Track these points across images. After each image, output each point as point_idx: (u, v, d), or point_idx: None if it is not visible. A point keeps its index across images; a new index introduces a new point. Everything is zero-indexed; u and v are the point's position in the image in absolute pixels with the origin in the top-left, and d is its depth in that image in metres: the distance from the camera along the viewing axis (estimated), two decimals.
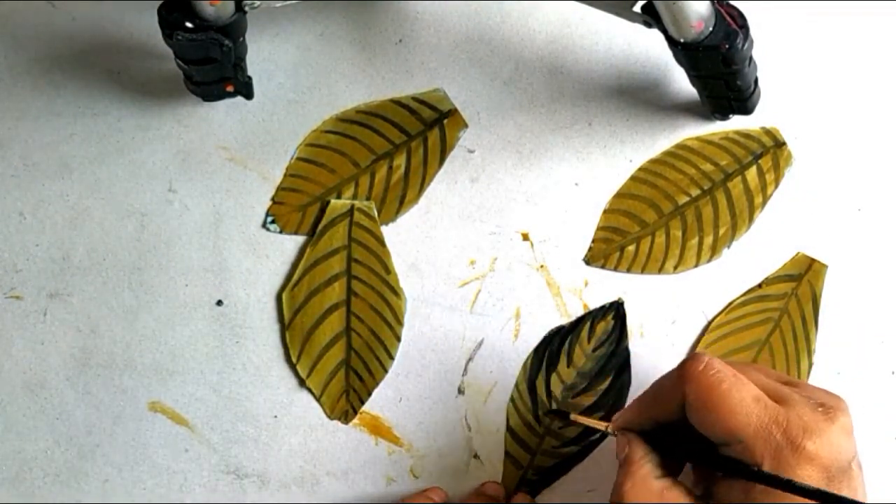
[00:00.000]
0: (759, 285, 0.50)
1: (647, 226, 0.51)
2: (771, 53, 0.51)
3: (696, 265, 0.51)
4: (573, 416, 0.47)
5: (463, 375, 0.50)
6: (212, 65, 0.46)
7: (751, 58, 0.47)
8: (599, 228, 0.51)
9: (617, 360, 0.50)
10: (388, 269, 0.50)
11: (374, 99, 0.52)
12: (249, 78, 0.50)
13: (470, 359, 0.50)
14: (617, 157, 0.52)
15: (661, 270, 0.50)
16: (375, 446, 0.50)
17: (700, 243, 0.51)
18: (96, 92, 0.52)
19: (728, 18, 0.44)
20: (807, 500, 0.36)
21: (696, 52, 0.44)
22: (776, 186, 0.51)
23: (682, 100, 0.52)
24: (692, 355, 0.40)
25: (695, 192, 0.51)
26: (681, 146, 0.52)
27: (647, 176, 0.51)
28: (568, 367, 0.50)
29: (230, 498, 0.49)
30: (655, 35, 0.46)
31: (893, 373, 0.50)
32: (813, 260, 0.50)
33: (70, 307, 0.50)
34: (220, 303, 0.50)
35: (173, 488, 0.49)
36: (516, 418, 0.49)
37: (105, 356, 0.50)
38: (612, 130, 0.52)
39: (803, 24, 0.52)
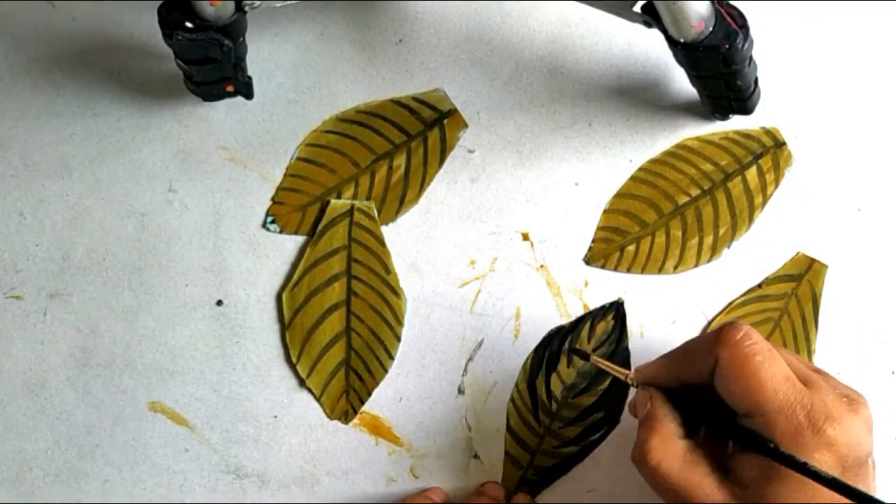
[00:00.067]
0: (759, 285, 0.50)
1: (647, 226, 0.51)
2: (771, 53, 0.51)
3: (696, 265, 0.51)
4: (593, 359, 0.46)
5: (463, 375, 0.50)
6: (212, 65, 0.46)
7: (751, 58, 0.47)
8: (599, 228, 0.51)
9: (617, 360, 0.50)
10: (388, 269, 0.50)
11: (374, 99, 0.52)
12: (249, 78, 0.50)
13: (470, 359, 0.50)
14: (617, 157, 0.52)
15: (661, 270, 0.50)
16: (375, 446, 0.50)
17: (700, 243, 0.51)
18: (96, 92, 0.52)
19: (728, 18, 0.44)
20: (818, 485, 0.36)
21: (696, 52, 0.44)
22: (776, 186, 0.51)
23: (682, 100, 0.52)
24: (731, 322, 0.40)
25: (695, 192, 0.51)
26: (681, 146, 0.52)
27: (647, 176, 0.51)
28: (568, 367, 0.50)
29: (230, 498, 0.49)
30: (655, 35, 0.46)
31: (893, 373, 0.50)
32: (813, 260, 0.50)
33: (70, 307, 0.50)
34: (220, 303, 0.50)
35: (173, 488, 0.49)
36: (516, 418, 0.49)
37: (105, 356, 0.50)
38: (612, 130, 0.52)
39: (803, 24, 0.52)
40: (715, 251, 0.51)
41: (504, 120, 0.52)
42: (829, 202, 0.51)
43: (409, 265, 0.51)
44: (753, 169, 0.51)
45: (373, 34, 0.53)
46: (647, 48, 0.52)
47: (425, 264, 0.51)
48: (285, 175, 0.51)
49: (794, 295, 0.50)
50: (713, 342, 0.39)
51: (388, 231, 0.51)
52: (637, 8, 0.45)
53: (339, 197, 0.51)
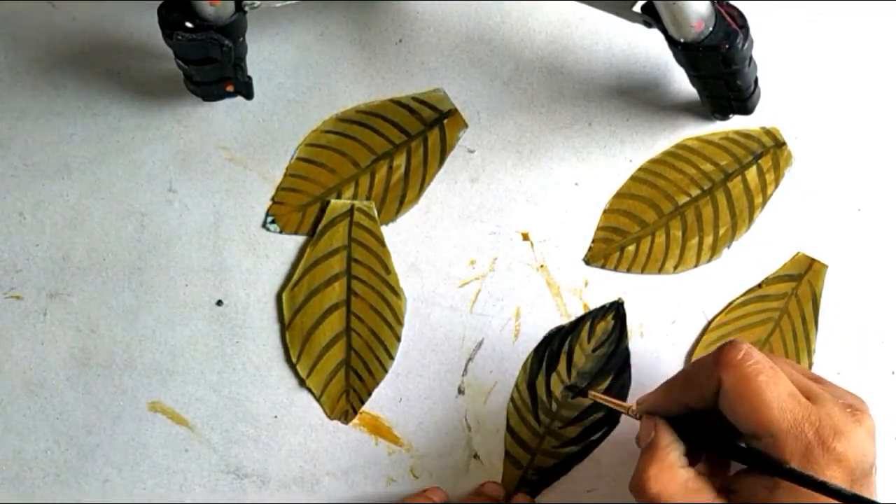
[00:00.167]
0: (759, 285, 0.50)
1: (647, 226, 0.51)
2: (771, 53, 0.51)
3: (696, 265, 0.51)
4: (592, 395, 0.46)
5: (463, 375, 0.50)
6: (212, 65, 0.46)
7: (751, 58, 0.47)
8: (599, 228, 0.51)
9: (617, 360, 0.50)
10: (388, 269, 0.50)
11: (374, 99, 0.52)
12: (249, 78, 0.50)
13: (470, 359, 0.50)
14: (617, 157, 0.52)
15: (661, 270, 0.50)
16: (375, 446, 0.50)
17: (700, 243, 0.51)
18: (96, 92, 0.52)
19: (728, 18, 0.44)
20: (835, 502, 0.36)
21: (696, 52, 0.44)
22: (776, 186, 0.51)
23: (682, 100, 0.52)
24: (731, 342, 0.39)
25: (695, 192, 0.51)
26: (681, 146, 0.52)
27: (647, 176, 0.51)
28: (568, 367, 0.50)
29: (230, 498, 0.49)
30: (655, 35, 0.46)
31: (893, 373, 0.50)
32: (813, 260, 0.50)
33: (70, 307, 0.50)
34: (220, 303, 0.50)
35: (173, 488, 0.49)
36: (516, 418, 0.49)
37: (105, 356, 0.50)
38: (612, 130, 0.52)
39: (803, 24, 0.52)
40: (715, 251, 0.51)
41: (504, 120, 0.52)
42: (829, 202, 0.51)
43: (409, 265, 0.51)
44: (753, 169, 0.51)
45: (373, 34, 0.53)
46: (647, 48, 0.52)
47: (425, 264, 0.51)
48: (285, 175, 0.51)
49: (794, 295, 0.50)
50: (714, 365, 0.39)
51: (388, 231, 0.51)
52: (637, 8, 0.45)
53: (339, 197, 0.51)
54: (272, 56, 0.53)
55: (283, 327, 0.50)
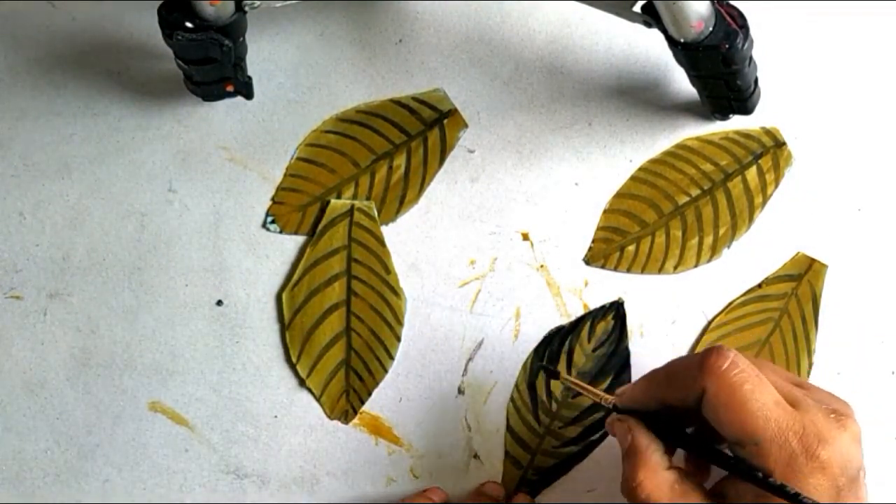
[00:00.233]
0: (759, 285, 0.50)
1: (647, 226, 0.51)
2: (771, 53, 0.51)
3: (696, 265, 0.51)
4: (563, 378, 0.46)
5: (463, 375, 0.50)
6: (212, 65, 0.46)
7: (751, 58, 0.47)
8: (599, 228, 0.51)
9: (617, 360, 0.50)
10: (388, 269, 0.50)
11: (374, 99, 0.52)
12: (249, 78, 0.50)
13: (470, 359, 0.50)
14: (617, 157, 0.52)
15: (661, 270, 0.50)
16: (375, 446, 0.50)
17: (700, 243, 0.51)
18: (96, 92, 0.52)
19: (728, 18, 0.44)
20: None
21: (696, 52, 0.44)
22: (776, 186, 0.51)
23: (682, 100, 0.52)
24: (716, 349, 0.39)
25: (695, 192, 0.51)
26: (681, 146, 0.52)
27: (647, 176, 0.51)
28: (568, 367, 0.50)
29: (230, 498, 0.49)
30: (655, 35, 0.46)
31: (893, 373, 0.50)
32: (813, 260, 0.50)
33: (70, 307, 0.50)
34: (220, 303, 0.50)
35: (173, 488, 0.49)
36: (516, 418, 0.49)
37: (105, 356, 0.50)
38: (612, 130, 0.52)
39: (803, 24, 0.52)
40: (715, 251, 0.51)
41: (504, 120, 0.52)
42: (829, 202, 0.51)
43: (409, 265, 0.51)
44: (753, 169, 0.51)
45: (373, 34, 0.53)
46: (647, 48, 0.52)
47: (425, 264, 0.51)
48: (285, 175, 0.51)
49: (794, 295, 0.50)
50: (699, 370, 0.39)
51: (388, 231, 0.51)
52: (637, 8, 0.45)
53: (339, 197, 0.51)
54: (272, 56, 0.53)
55: (283, 327, 0.50)
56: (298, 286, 0.50)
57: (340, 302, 0.50)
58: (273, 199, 0.51)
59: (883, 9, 0.52)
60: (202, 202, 0.51)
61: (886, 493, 0.49)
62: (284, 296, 0.50)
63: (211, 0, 0.43)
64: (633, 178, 0.51)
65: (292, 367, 0.50)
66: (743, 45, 0.44)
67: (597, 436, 0.49)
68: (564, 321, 0.50)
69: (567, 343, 0.50)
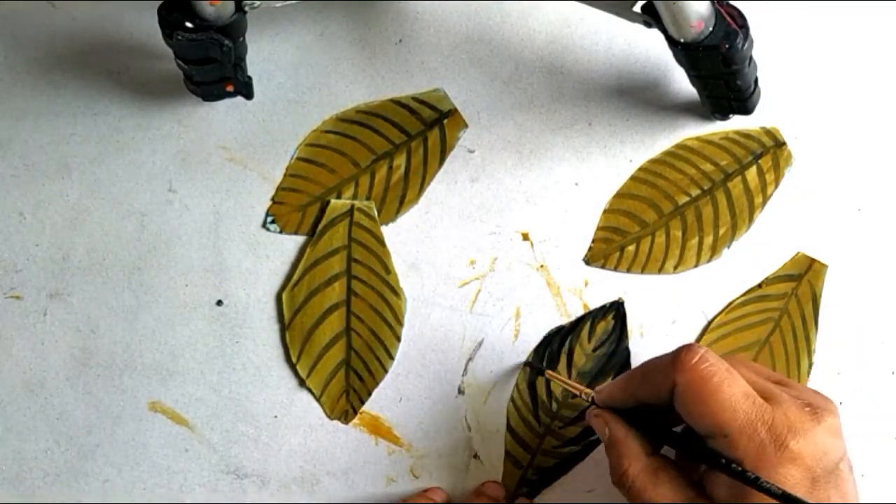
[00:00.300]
0: (759, 285, 0.50)
1: (647, 226, 0.51)
2: (771, 53, 0.51)
3: (696, 265, 0.51)
4: (548, 374, 0.47)
5: (463, 375, 0.50)
6: (212, 65, 0.46)
7: (751, 58, 0.47)
8: (599, 228, 0.51)
9: (617, 360, 0.50)
10: (388, 269, 0.50)
11: (374, 99, 0.52)
12: (249, 78, 0.50)
13: (470, 359, 0.50)
14: (617, 157, 0.52)
15: (661, 270, 0.50)
16: (375, 446, 0.50)
17: (700, 243, 0.51)
18: (96, 92, 0.52)
19: (728, 18, 0.44)
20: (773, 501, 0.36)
21: (696, 52, 0.44)
22: (776, 186, 0.51)
23: (682, 100, 0.52)
24: (687, 345, 0.40)
25: (695, 192, 0.51)
26: (681, 146, 0.52)
27: (647, 176, 0.51)
28: (568, 367, 0.50)
29: (230, 498, 0.49)
30: (655, 35, 0.46)
31: (893, 373, 0.50)
32: (813, 260, 0.50)
33: (70, 307, 0.50)
34: (220, 303, 0.50)
35: (173, 488, 0.49)
36: (516, 418, 0.49)
37: (105, 356, 0.50)
38: (612, 130, 0.52)
39: (803, 24, 0.52)
40: (715, 251, 0.51)
41: (504, 120, 0.52)
42: (829, 202, 0.51)
43: (409, 265, 0.51)
44: (753, 169, 0.51)
45: (373, 34, 0.53)
46: (647, 48, 0.52)
47: (425, 264, 0.51)
48: (285, 175, 0.51)
49: (794, 295, 0.50)
50: (670, 366, 0.39)
51: (388, 231, 0.51)
52: (637, 8, 0.45)
53: (339, 197, 0.51)
54: (272, 56, 0.53)
55: (283, 327, 0.50)
56: (298, 286, 0.50)
57: (340, 302, 0.50)
58: (273, 199, 0.51)
59: (883, 9, 0.52)
60: (202, 202, 0.51)
61: (886, 493, 0.49)
62: (284, 296, 0.50)
63: (211, 0, 0.43)
64: (633, 178, 0.51)
65: (292, 367, 0.50)
66: (743, 45, 0.44)
67: (597, 436, 0.49)
68: (564, 321, 0.50)
69: (567, 343, 0.50)
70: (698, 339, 0.50)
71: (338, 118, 0.52)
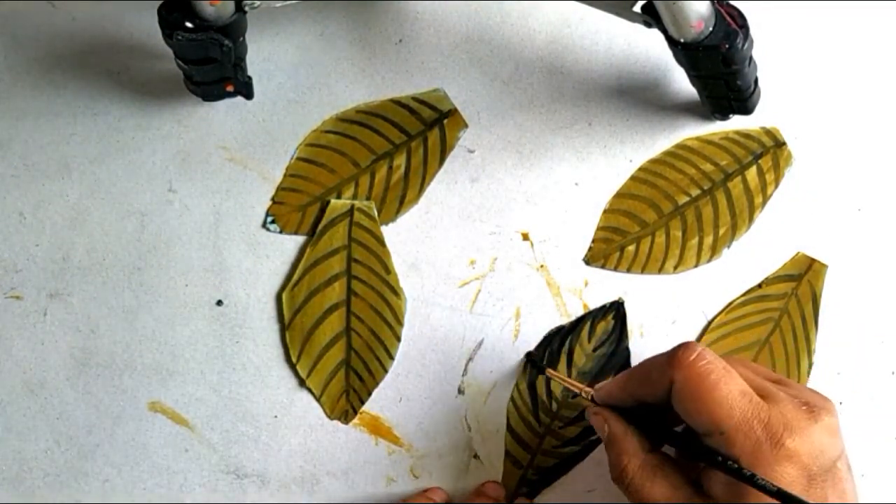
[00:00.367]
0: (759, 285, 0.50)
1: (647, 226, 0.51)
2: (771, 53, 0.51)
3: (696, 265, 0.51)
4: (548, 372, 0.47)
5: (463, 375, 0.50)
6: (212, 65, 0.46)
7: (751, 58, 0.47)
8: (599, 228, 0.51)
9: (617, 360, 0.50)
10: (388, 269, 0.50)
11: (374, 99, 0.52)
12: (249, 78, 0.50)
13: (470, 359, 0.50)
14: (617, 157, 0.52)
15: (661, 270, 0.50)
16: (375, 446, 0.50)
17: (700, 243, 0.51)
18: (96, 92, 0.52)
19: (728, 18, 0.44)
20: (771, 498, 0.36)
21: (696, 52, 0.44)
22: (776, 186, 0.51)
23: (682, 100, 0.52)
24: (685, 343, 0.40)
25: (695, 192, 0.51)
26: (681, 146, 0.52)
27: (647, 176, 0.51)
28: (568, 367, 0.50)
29: (230, 498, 0.49)
30: (655, 35, 0.46)
31: (893, 373, 0.50)
32: (813, 260, 0.50)
33: (70, 307, 0.50)
34: (220, 303, 0.50)
35: (173, 488, 0.49)
36: (516, 418, 0.49)
37: (105, 356, 0.50)
38: (612, 130, 0.52)
39: (803, 24, 0.52)
40: (715, 251, 0.51)
41: (504, 120, 0.52)
42: (829, 202, 0.51)
43: (409, 265, 0.51)
44: (753, 169, 0.51)
45: (373, 34, 0.53)
46: (647, 48, 0.52)
47: (425, 264, 0.51)
48: (285, 175, 0.51)
49: (794, 295, 0.50)
50: (667, 364, 0.39)
51: (388, 231, 0.51)
52: (637, 8, 0.45)
53: (339, 197, 0.51)
54: (272, 56, 0.53)
55: (283, 327, 0.50)
56: (298, 286, 0.50)
57: (340, 302, 0.50)
58: (273, 199, 0.51)
59: (883, 9, 0.52)
60: (202, 202, 0.51)
61: (886, 493, 0.49)
62: (284, 296, 0.50)
63: (211, 0, 0.43)
64: (633, 178, 0.51)
65: (292, 367, 0.50)
66: (743, 45, 0.44)
67: (597, 436, 0.49)
68: (564, 321, 0.50)
69: (567, 343, 0.50)
70: (698, 339, 0.50)
71: (338, 118, 0.52)
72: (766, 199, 0.51)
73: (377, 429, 0.50)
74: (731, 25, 0.44)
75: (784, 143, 0.51)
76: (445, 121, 0.52)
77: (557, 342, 0.50)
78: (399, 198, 0.51)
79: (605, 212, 0.51)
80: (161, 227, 0.51)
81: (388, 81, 0.52)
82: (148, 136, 0.52)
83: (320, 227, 0.51)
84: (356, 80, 0.52)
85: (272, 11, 0.52)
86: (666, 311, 0.50)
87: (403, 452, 0.50)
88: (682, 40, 0.44)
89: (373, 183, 0.51)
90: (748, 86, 0.48)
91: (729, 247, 0.51)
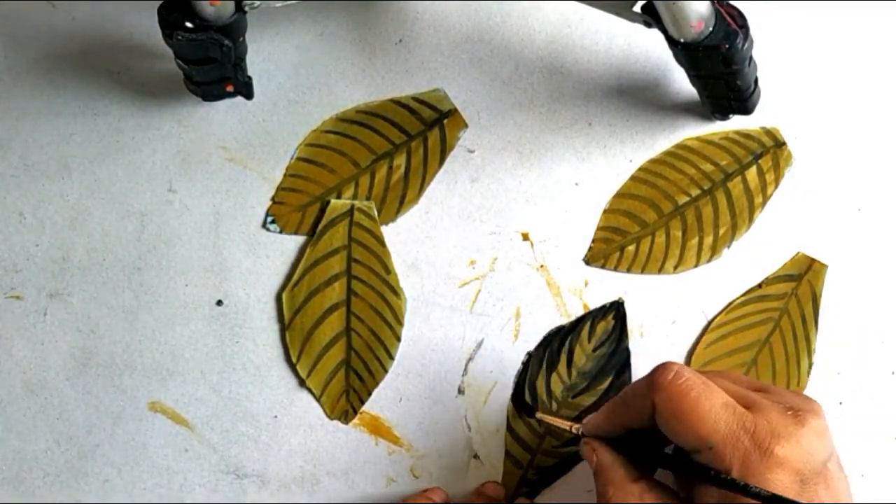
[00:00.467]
0: (759, 285, 0.50)
1: (647, 226, 0.51)
2: (771, 53, 0.51)
3: (696, 265, 0.51)
4: (539, 415, 0.47)
5: (463, 375, 0.50)
6: (212, 65, 0.46)
7: (751, 58, 0.47)
8: (599, 228, 0.51)
9: (617, 360, 0.50)
10: (388, 269, 0.50)
11: (374, 99, 0.52)
12: (249, 78, 0.50)
13: (470, 359, 0.50)
14: (617, 157, 0.52)
15: (661, 270, 0.50)
16: (375, 446, 0.50)
17: (700, 243, 0.51)
18: (96, 92, 0.52)
19: (728, 18, 0.44)
20: None
21: (696, 52, 0.44)
22: (776, 186, 0.51)
23: (682, 100, 0.52)
24: (661, 364, 0.40)
25: (695, 192, 0.51)
26: (681, 146, 0.52)
27: (647, 176, 0.51)
28: (568, 366, 0.50)
29: (230, 498, 0.49)
30: (655, 35, 0.46)
31: (893, 373, 0.50)
32: (813, 260, 0.50)
33: (70, 307, 0.50)
34: (220, 303, 0.50)
35: (173, 488, 0.49)
36: (516, 418, 0.49)
37: (105, 356, 0.50)
38: (612, 130, 0.52)
39: (803, 24, 0.52)
40: (715, 251, 0.51)
41: (504, 120, 0.52)
42: (829, 202, 0.51)
43: (409, 265, 0.51)
44: (753, 169, 0.51)
45: (373, 34, 0.53)
46: (647, 48, 0.52)
47: (425, 264, 0.51)
48: (285, 175, 0.51)
49: (794, 295, 0.50)
50: (647, 388, 0.39)
51: (388, 231, 0.51)
52: (637, 8, 0.45)
53: (339, 197, 0.51)
54: (272, 56, 0.53)
55: (283, 327, 0.50)
56: (298, 286, 0.50)
57: (340, 302, 0.50)
58: (273, 199, 0.51)
59: (883, 9, 0.52)
60: (202, 202, 0.51)
61: (886, 493, 0.49)
62: (284, 296, 0.50)
63: (211, 0, 0.43)
64: (633, 178, 0.51)
65: (292, 367, 0.50)
66: (743, 45, 0.44)
67: None
68: (564, 321, 0.50)
69: (567, 343, 0.50)
70: (698, 340, 0.50)
71: (338, 118, 0.52)
72: (766, 199, 0.51)
73: (377, 429, 0.50)
74: (731, 25, 0.44)
75: (784, 143, 0.51)
76: (445, 121, 0.52)
77: (557, 342, 0.50)
78: (399, 198, 0.51)
79: (605, 212, 0.51)
80: (161, 227, 0.51)
81: (388, 81, 0.52)
82: (148, 136, 0.52)
83: (320, 227, 0.51)
84: (356, 80, 0.52)
85: (272, 11, 0.52)
86: (666, 311, 0.50)
87: (403, 452, 0.50)
88: (682, 40, 0.44)
89: (373, 183, 0.51)
90: (748, 86, 0.48)
91: (729, 247, 0.51)
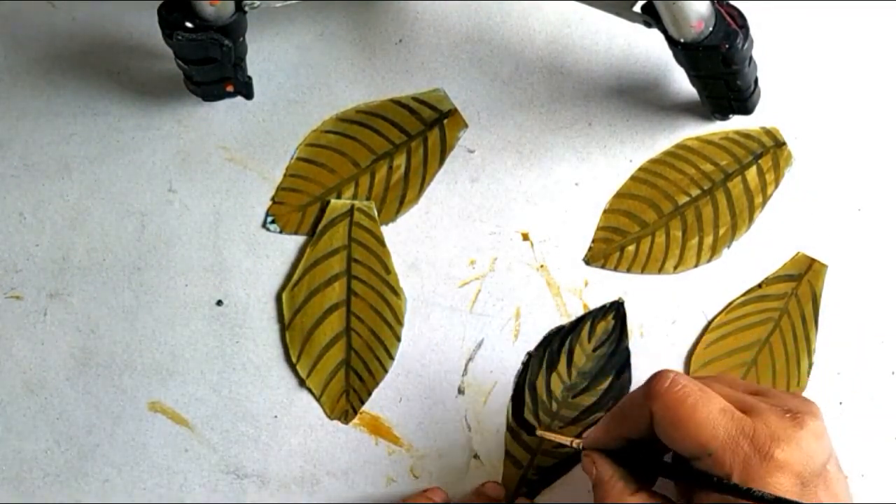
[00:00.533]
0: (759, 285, 0.50)
1: (647, 226, 0.51)
2: (771, 53, 0.51)
3: (696, 265, 0.51)
4: (539, 432, 0.48)
5: (463, 375, 0.50)
6: (212, 65, 0.46)
7: (751, 58, 0.47)
8: (599, 228, 0.51)
9: (617, 359, 0.50)
10: (388, 269, 0.50)
11: (374, 99, 0.52)
12: (249, 78, 0.50)
13: (470, 359, 0.50)
14: (617, 157, 0.52)
15: (661, 270, 0.50)
16: (375, 446, 0.50)
17: (700, 243, 0.51)
18: (96, 92, 0.52)
19: (728, 18, 0.44)
20: None
21: (696, 52, 0.44)
22: (776, 186, 0.51)
23: (682, 100, 0.52)
24: (657, 373, 0.40)
25: (695, 192, 0.51)
26: (681, 146, 0.52)
27: (647, 176, 0.51)
28: (568, 366, 0.50)
29: (230, 498, 0.49)
30: (655, 35, 0.46)
31: (893, 373, 0.50)
32: (813, 260, 0.50)
33: (70, 307, 0.50)
34: (220, 303, 0.50)
35: (173, 488, 0.49)
36: None
37: (105, 356, 0.50)
38: (612, 130, 0.52)
39: (803, 24, 0.52)
40: (715, 251, 0.51)
41: (504, 120, 0.52)
42: (829, 202, 0.51)
43: (409, 265, 0.51)
44: (753, 169, 0.51)
45: (373, 34, 0.53)
46: (647, 48, 0.52)
47: (425, 264, 0.51)
48: (285, 175, 0.52)
49: (794, 295, 0.50)
50: (644, 397, 0.39)
51: (388, 231, 0.51)
52: (637, 8, 0.45)
53: (339, 197, 0.51)
54: (272, 56, 0.53)
55: (283, 327, 0.50)
56: (298, 286, 0.50)
57: (340, 302, 0.50)
58: (273, 199, 0.51)
59: (883, 9, 0.52)
60: (202, 202, 0.51)
61: (887, 493, 0.49)
62: (284, 296, 0.50)
63: (211, 0, 0.43)
64: (633, 178, 0.51)
65: (292, 367, 0.50)
66: (743, 45, 0.44)
67: None
68: (564, 321, 0.50)
69: (567, 343, 0.50)
70: (698, 340, 0.50)
71: (338, 118, 0.52)
72: (766, 199, 0.51)
73: (377, 429, 0.50)
74: (731, 25, 0.44)
75: (784, 143, 0.51)
76: (445, 121, 0.52)
77: (557, 342, 0.50)
78: (399, 198, 0.51)
79: (605, 212, 0.51)
80: (161, 227, 0.51)
81: (388, 81, 0.52)
82: (148, 136, 0.52)
83: (320, 227, 0.51)
84: (356, 80, 0.52)
85: (272, 11, 0.52)
86: (666, 311, 0.50)
87: (403, 452, 0.50)
88: (682, 40, 0.44)
89: (373, 183, 0.51)
90: (748, 86, 0.48)
91: (729, 247, 0.51)
